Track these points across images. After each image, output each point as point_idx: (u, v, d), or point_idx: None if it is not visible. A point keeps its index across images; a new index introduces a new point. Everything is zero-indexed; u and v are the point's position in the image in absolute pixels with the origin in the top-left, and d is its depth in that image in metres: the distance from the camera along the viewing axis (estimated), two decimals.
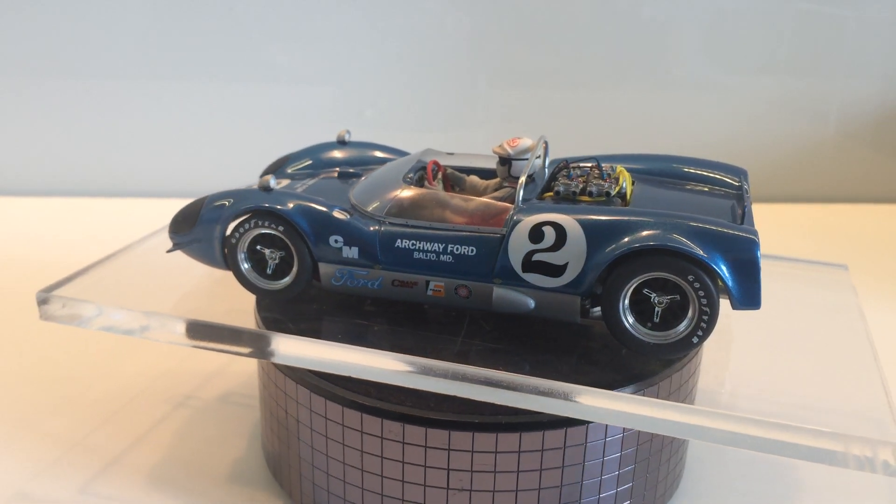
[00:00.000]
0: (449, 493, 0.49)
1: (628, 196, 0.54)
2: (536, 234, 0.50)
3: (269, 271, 0.57)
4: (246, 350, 0.53)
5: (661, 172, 0.59)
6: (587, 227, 0.49)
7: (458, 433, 0.48)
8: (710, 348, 0.60)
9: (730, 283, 0.47)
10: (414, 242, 0.53)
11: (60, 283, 0.60)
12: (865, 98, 1.26)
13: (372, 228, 0.54)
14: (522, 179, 0.52)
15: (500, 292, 0.51)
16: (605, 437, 0.49)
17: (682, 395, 0.53)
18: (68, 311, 0.57)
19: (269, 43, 1.21)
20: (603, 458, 0.49)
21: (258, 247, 0.57)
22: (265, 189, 0.57)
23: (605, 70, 1.24)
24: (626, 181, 0.54)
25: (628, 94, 1.26)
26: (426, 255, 0.53)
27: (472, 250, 0.52)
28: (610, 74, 1.25)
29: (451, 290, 0.53)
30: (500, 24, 1.22)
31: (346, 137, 0.68)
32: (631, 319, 0.50)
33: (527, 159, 0.55)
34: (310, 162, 0.67)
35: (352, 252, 0.54)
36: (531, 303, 0.51)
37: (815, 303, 0.70)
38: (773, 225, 0.99)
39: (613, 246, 0.48)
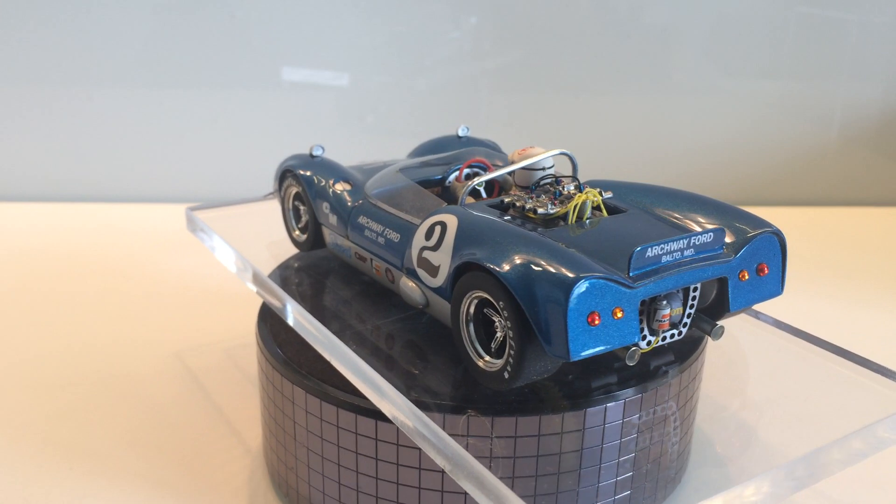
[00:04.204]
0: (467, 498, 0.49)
1: (572, 219, 0.49)
2: (430, 231, 0.50)
3: (300, 224, 0.65)
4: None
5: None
6: (459, 233, 0.47)
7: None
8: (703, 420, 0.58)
9: (534, 321, 0.41)
10: (367, 220, 0.56)
11: (205, 205, 0.72)
12: (868, 101, 1.26)
13: (352, 203, 0.58)
14: (469, 183, 0.53)
15: (403, 282, 0.52)
16: (622, 419, 0.48)
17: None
18: (199, 234, 0.69)
19: (270, 49, 1.21)
20: (620, 439, 0.49)
21: (295, 202, 0.65)
22: (311, 156, 0.64)
23: (607, 75, 1.25)
24: (579, 207, 0.49)
25: (631, 99, 1.26)
26: (371, 234, 0.56)
27: (398, 237, 0.53)
28: (612, 79, 1.25)
29: (384, 272, 0.55)
30: (501, 30, 1.22)
31: (461, 133, 0.72)
32: (471, 339, 0.47)
33: (536, 168, 0.53)
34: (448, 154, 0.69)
35: (333, 220, 0.60)
36: (424, 300, 0.51)
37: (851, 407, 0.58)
38: None
39: (459, 256, 0.46)
